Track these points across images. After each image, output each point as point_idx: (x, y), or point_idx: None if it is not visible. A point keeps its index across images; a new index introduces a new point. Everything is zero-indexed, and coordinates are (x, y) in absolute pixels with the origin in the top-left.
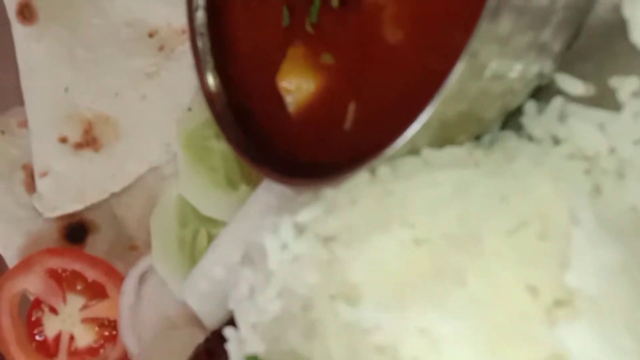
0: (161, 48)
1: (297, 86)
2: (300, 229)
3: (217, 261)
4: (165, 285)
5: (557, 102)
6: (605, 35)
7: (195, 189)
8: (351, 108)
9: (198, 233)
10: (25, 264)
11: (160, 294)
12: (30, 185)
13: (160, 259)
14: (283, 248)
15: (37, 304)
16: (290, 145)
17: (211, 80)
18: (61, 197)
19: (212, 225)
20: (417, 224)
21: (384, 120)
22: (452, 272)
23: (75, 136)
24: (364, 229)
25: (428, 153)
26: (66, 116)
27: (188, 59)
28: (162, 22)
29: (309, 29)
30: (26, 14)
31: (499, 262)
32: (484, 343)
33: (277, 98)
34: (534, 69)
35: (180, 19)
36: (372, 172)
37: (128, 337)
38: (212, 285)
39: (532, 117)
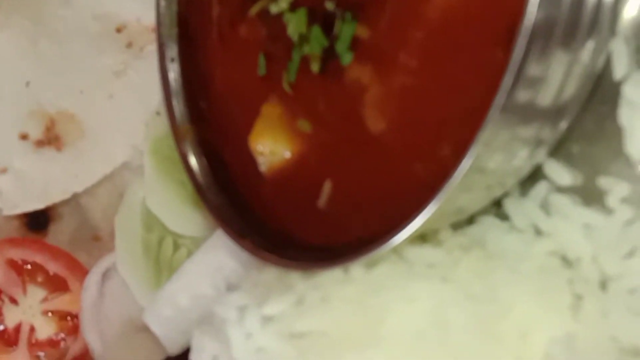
0: (129, 45)
1: (271, 150)
2: (266, 319)
3: (182, 289)
4: None
5: (541, 188)
6: (596, 120)
7: (162, 203)
8: (327, 186)
9: (164, 239)
10: None
11: (124, 294)
12: None
13: (124, 261)
14: (247, 337)
15: None
16: (260, 206)
17: (180, 113)
18: (22, 196)
19: (178, 235)
20: (393, 349)
21: (362, 209)
22: None
23: (36, 133)
24: (337, 342)
25: (406, 250)
26: (27, 112)
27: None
28: (131, 17)
29: (286, 87)
30: None
31: None
32: None
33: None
34: (530, 162)
35: (150, 16)
36: (345, 269)
37: (90, 335)
38: (176, 312)
39: (514, 200)
